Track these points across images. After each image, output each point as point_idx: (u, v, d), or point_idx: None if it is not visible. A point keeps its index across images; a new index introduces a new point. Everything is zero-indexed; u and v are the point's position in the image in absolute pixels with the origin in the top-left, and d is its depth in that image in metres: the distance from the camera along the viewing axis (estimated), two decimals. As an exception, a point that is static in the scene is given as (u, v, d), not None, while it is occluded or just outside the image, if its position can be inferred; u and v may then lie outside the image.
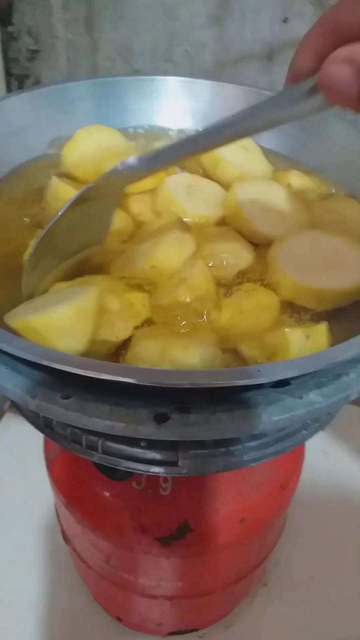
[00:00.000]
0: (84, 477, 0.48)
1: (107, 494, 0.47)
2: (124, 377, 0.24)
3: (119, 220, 0.40)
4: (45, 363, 0.25)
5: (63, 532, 0.59)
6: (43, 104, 0.46)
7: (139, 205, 0.43)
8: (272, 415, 0.28)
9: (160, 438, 0.27)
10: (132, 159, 0.32)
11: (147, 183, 0.43)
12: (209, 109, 0.50)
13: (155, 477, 0.46)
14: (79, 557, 0.55)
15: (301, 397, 0.29)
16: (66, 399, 0.28)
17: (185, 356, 0.28)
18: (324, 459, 0.83)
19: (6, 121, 0.44)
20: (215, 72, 0.78)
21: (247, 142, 0.48)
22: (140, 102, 0.49)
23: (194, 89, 0.50)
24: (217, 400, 0.29)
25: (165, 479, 0.46)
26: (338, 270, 0.36)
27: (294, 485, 0.52)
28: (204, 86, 0.49)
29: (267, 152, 0.50)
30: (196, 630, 0.65)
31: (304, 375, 0.28)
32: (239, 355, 0.32)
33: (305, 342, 0.30)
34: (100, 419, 0.28)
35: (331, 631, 0.66)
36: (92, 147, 0.46)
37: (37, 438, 0.82)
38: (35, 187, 0.44)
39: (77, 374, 0.26)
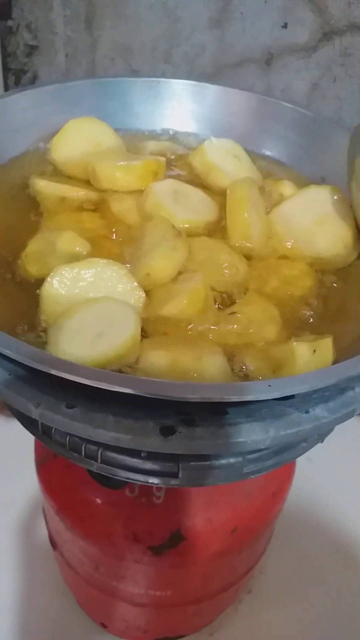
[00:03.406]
0: (75, 483, 0.47)
1: (100, 502, 0.46)
2: (135, 389, 0.24)
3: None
4: (59, 374, 0.24)
5: (51, 538, 0.58)
6: (46, 101, 0.45)
7: (118, 205, 0.42)
8: (279, 430, 0.27)
9: (166, 451, 0.27)
10: None
11: (129, 184, 0.43)
12: (212, 114, 0.50)
13: (148, 486, 0.45)
14: (67, 563, 0.54)
15: (307, 412, 0.29)
16: (70, 408, 0.27)
17: (198, 366, 0.28)
18: (308, 465, 0.83)
19: (7, 118, 0.43)
20: (213, 74, 0.78)
21: (238, 151, 0.48)
22: (143, 103, 0.49)
23: (198, 93, 0.49)
24: (223, 412, 0.29)
25: (159, 488, 0.46)
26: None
27: (285, 494, 0.51)
28: (209, 90, 0.49)
29: (268, 160, 0.50)
30: (181, 637, 0.64)
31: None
32: (241, 366, 0.32)
33: (311, 356, 0.29)
34: (105, 431, 0.27)
35: (315, 638, 0.66)
36: (81, 141, 0.46)
37: (22, 441, 0.81)
38: (24, 183, 0.43)
39: (81, 384, 0.25)
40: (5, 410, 0.83)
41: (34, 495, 0.74)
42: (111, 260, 0.33)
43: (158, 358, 0.29)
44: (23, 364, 0.27)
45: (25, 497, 0.74)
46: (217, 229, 0.41)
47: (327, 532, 0.75)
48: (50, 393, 0.28)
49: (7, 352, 0.25)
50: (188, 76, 0.52)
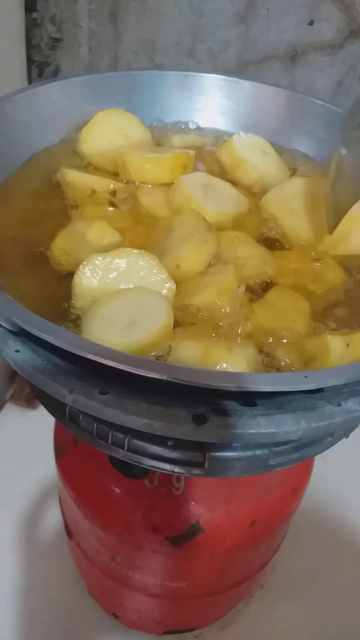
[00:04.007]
0: (95, 473, 0.47)
1: (119, 491, 0.46)
2: (175, 376, 0.24)
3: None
4: (97, 359, 0.24)
5: (66, 527, 0.58)
6: (76, 93, 0.45)
7: (147, 198, 0.42)
8: (311, 422, 0.27)
9: (198, 439, 0.27)
10: None
11: (158, 176, 0.43)
12: (240, 108, 0.50)
13: (168, 476, 0.46)
14: (82, 553, 0.55)
15: (339, 405, 0.29)
16: (104, 394, 0.28)
17: (230, 357, 0.28)
18: (322, 463, 0.83)
19: (37, 108, 0.43)
20: (237, 71, 0.77)
21: (266, 146, 0.48)
22: (172, 97, 0.49)
23: (228, 87, 0.49)
24: (252, 404, 0.29)
25: (178, 479, 0.46)
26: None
27: (303, 490, 0.52)
28: (239, 85, 0.49)
29: (296, 156, 0.50)
30: (192, 630, 0.65)
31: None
32: (272, 358, 0.32)
33: (345, 349, 0.30)
34: (137, 417, 0.27)
35: (326, 635, 0.66)
36: (110, 133, 0.46)
37: (37, 430, 0.81)
38: (53, 175, 0.43)
39: (113, 370, 0.25)
40: (21, 401, 0.84)
41: (49, 484, 0.75)
42: (143, 251, 0.33)
43: (190, 348, 0.29)
44: (56, 350, 0.27)
45: (39, 486, 0.75)
46: (245, 223, 0.41)
47: (339, 529, 0.75)
48: (83, 379, 0.28)
49: (47, 337, 0.25)
50: (211, 72, 0.52)
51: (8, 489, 0.74)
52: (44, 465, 0.77)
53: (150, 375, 0.24)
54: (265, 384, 0.25)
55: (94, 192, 0.42)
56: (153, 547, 0.46)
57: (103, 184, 0.42)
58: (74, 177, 0.42)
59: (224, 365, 0.28)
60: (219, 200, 0.41)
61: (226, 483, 0.47)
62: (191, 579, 0.50)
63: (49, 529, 0.71)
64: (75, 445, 0.49)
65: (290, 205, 0.41)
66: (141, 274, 0.32)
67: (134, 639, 0.63)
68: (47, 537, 0.71)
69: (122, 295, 0.31)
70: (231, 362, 0.28)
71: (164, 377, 0.24)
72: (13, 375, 0.87)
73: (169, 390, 0.28)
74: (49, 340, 0.25)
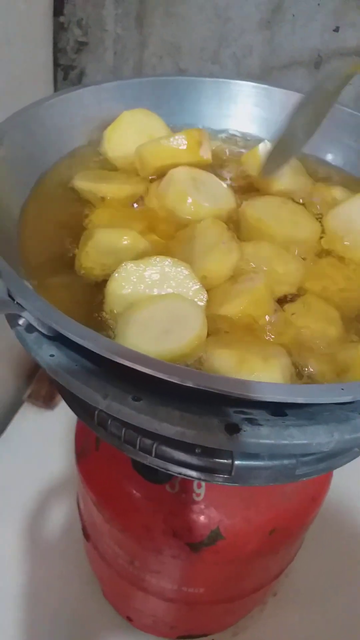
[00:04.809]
0: (117, 476, 0.47)
1: (140, 496, 0.46)
2: (215, 386, 0.24)
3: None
4: (134, 366, 0.24)
5: (84, 529, 0.58)
6: (107, 98, 0.46)
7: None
8: (344, 434, 0.27)
9: (231, 449, 0.27)
10: None
11: (177, 155, 0.43)
12: (269, 115, 0.50)
13: (189, 482, 0.46)
14: (100, 556, 0.55)
15: (372, 417, 0.29)
16: (137, 401, 0.28)
17: (265, 367, 0.28)
18: (339, 472, 0.83)
19: (70, 113, 0.44)
20: (260, 76, 0.78)
21: None
22: (202, 103, 0.49)
23: (257, 94, 0.49)
24: (282, 414, 0.29)
25: (199, 485, 0.46)
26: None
27: (323, 498, 0.51)
28: (269, 92, 0.49)
29: (321, 164, 0.49)
30: (205, 635, 0.64)
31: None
32: (304, 369, 0.32)
33: (378, 361, 0.29)
34: (170, 425, 0.27)
35: (339, 645, 0.66)
36: (133, 133, 0.46)
37: (54, 430, 0.82)
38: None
39: (146, 377, 0.25)
40: (38, 401, 0.84)
41: (64, 484, 0.75)
42: (176, 260, 0.33)
43: (225, 357, 0.29)
44: (91, 355, 0.28)
45: (55, 486, 0.75)
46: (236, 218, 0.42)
47: (354, 539, 0.75)
48: (116, 385, 0.28)
49: (86, 343, 0.25)
50: (238, 78, 0.52)
51: (23, 488, 0.75)
52: (60, 465, 0.77)
53: (196, 387, 0.24)
54: (303, 395, 0.25)
55: (103, 199, 0.42)
56: (172, 553, 0.46)
57: (114, 190, 0.42)
58: (83, 186, 0.42)
59: (259, 375, 0.28)
60: (210, 195, 0.41)
61: (246, 490, 0.47)
62: (208, 585, 0.50)
63: (64, 529, 0.72)
64: (97, 448, 0.49)
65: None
66: (173, 283, 0.33)
67: (146, 643, 0.63)
68: (61, 537, 0.71)
69: (156, 302, 0.31)
70: (266, 372, 0.28)
71: (208, 388, 0.24)
72: (31, 376, 0.88)
73: (199, 398, 0.28)
74: (87, 347, 0.25)
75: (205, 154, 0.45)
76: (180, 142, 0.43)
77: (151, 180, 0.44)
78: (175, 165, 0.42)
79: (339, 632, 0.67)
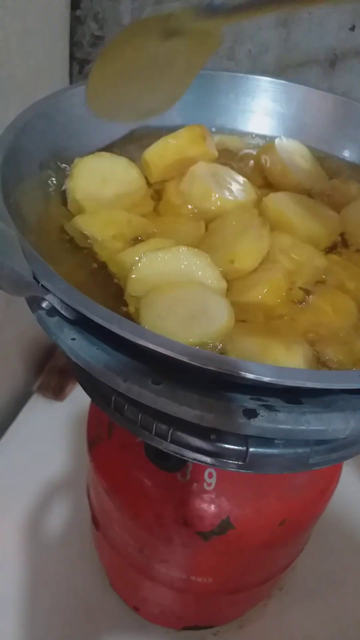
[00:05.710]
0: (128, 464, 0.48)
1: (151, 484, 0.47)
2: (242, 371, 0.24)
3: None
4: (158, 349, 0.25)
5: (93, 517, 0.59)
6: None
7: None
8: (360, 421, 0.28)
9: (249, 433, 0.28)
10: None
11: (184, 149, 0.43)
12: (287, 111, 0.50)
13: (200, 472, 0.46)
14: (109, 545, 0.56)
15: (388, 406, 0.29)
16: (157, 384, 0.28)
17: (288, 354, 0.28)
18: (347, 466, 0.83)
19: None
20: (275, 74, 0.78)
21: (304, 152, 0.48)
22: (217, 97, 0.49)
23: (274, 90, 0.50)
24: (297, 402, 0.29)
25: (210, 474, 0.47)
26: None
27: (332, 491, 0.52)
28: (286, 88, 0.49)
29: (337, 160, 0.50)
30: (211, 627, 0.65)
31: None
32: (321, 357, 0.32)
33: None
34: (190, 408, 0.28)
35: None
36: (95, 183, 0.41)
37: (63, 421, 0.82)
38: None
39: (166, 361, 0.26)
40: (48, 392, 0.85)
41: (73, 475, 0.76)
42: (197, 250, 0.33)
43: (249, 344, 0.29)
44: (111, 338, 0.28)
45: (64, 477, 0.76)
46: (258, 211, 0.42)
47: None
48: (136, 368, 0.29)
49: (110, 326, 0.26)
50: (255, 74, 0.52)
51: (32, 479, 0.75)
52: (68, 456, 0.78)
53: (224, 371, 0.25)
54: (325, 380, 0.26)
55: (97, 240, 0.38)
56: (183, 541, 0.46)
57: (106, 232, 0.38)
58: (74, 233, 0.38)
59: (284, 362, 0.28)
60: (233, 190, 0.42)
61: (257, 480, 0.47)
62: (217, 575, 0.51)
63: (72, 520, 0.72)
64: (110, 436, 0.50)
65: None
66: (194, 271, 0.33)
67: (152, 633, 0.64)
68: (69, 527, 0.72)
69: (180, 287, 0.32)
70: (290, 359, 0.28)
71: (237, 373, 0.25)
72: (41, 367, 0.89)
73: (216, 385, 0.29)
74: (112, 330, 0.26)
75: (211, 148, 0.45)
76: (184, 137, 0.44)
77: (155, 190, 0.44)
78: (182, 161, 0.43)
79: (343, 627, 0.67)
